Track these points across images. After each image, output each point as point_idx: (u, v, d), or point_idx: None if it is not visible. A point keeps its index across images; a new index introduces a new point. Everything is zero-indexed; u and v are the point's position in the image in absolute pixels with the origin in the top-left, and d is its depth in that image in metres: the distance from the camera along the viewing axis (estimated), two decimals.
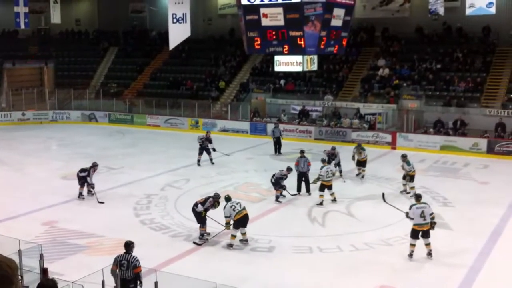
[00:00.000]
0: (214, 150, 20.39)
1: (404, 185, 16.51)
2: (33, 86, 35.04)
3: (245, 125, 27.49)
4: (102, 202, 15.79)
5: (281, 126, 24.80)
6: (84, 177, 15.98)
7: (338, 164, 18.10)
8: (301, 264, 11.53)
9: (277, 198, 15.80)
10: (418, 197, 11.94)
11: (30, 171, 19.90)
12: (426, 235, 11.56)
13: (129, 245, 9.40)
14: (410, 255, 11.60)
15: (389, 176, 18.58)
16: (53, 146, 25.70)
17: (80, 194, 16.10)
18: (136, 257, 9.23)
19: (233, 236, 12.37)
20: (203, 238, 12.68)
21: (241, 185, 17.78)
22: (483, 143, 22.26)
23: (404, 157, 16.65)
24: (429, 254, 11.56)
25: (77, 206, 15.53)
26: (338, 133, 25.10)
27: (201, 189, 16.93)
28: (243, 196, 15.81)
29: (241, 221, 12.31)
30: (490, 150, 22.05)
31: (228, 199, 12.84)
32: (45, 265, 9.89)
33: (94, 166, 16.29)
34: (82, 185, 16.09)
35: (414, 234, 11.60)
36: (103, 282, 8.69)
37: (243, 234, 12.43)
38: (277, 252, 12.17)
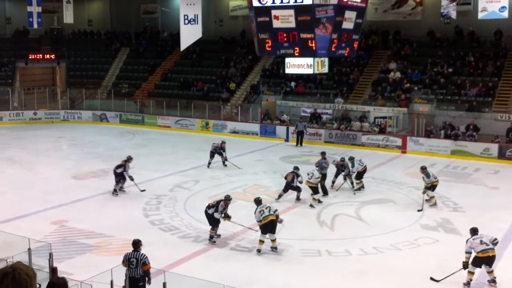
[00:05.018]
0: (226, 159, 20.14)
1: (424, 193, 15.49)
2: (45, 85, 35.35)
3: (255, 127, 27.47)
4: (144, 190, 16.52)
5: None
6: (121, 173, 16.31)
7: (348, 176, 17.26)
8: (309, 267, 11.49)
9: (279, 197, 15.94)
10: (474, 231, 10.75)
11: (40, 170, 20.01)
12: (490, 262, 10.47)
13: (137, 243, 9.46)
14: (468, 284, 10.51)
15: (398, 180, 18.49)
16: (64, 145, 25.83)
17: (115, 190, 16.42)
18: (145, 255, 9.30)
19: (261, 242, 12.07)
20: (212, 240, 12.67)
21: (250, 187, 17.77)
22: (494, 148, 22.10)
23: (423, 169, 15.58)
24: (493, 281, 10.54)
25: (87, 206, 15.59)
26: (348, 136, 25.00)
27: (210, 191, 16.96)
28: (252, 198, 15.75)
29: (268, 227, 12.01)
30: (501, 155, 21.90)
31: (258, 202, 12.57)
32: (54, 264, 9.96)
33: (129, 159, 16.66)
34: (117, 182, 16.42)
35: (477, 262, 10.50)
36: (111, 282, 8.73)
37: (272, 240, 12.13)
38: (286, 255, 12.14)
